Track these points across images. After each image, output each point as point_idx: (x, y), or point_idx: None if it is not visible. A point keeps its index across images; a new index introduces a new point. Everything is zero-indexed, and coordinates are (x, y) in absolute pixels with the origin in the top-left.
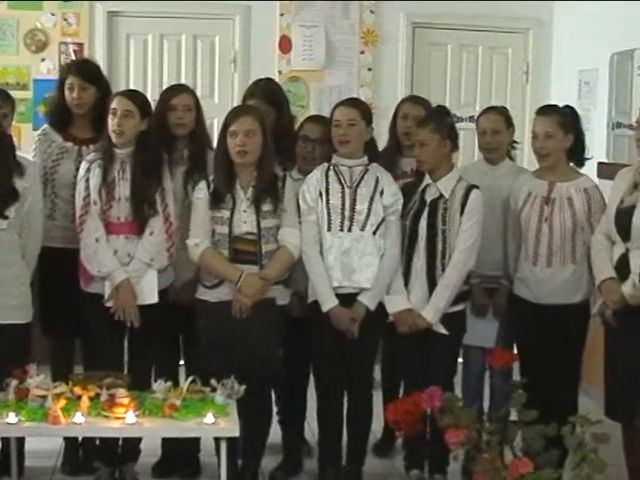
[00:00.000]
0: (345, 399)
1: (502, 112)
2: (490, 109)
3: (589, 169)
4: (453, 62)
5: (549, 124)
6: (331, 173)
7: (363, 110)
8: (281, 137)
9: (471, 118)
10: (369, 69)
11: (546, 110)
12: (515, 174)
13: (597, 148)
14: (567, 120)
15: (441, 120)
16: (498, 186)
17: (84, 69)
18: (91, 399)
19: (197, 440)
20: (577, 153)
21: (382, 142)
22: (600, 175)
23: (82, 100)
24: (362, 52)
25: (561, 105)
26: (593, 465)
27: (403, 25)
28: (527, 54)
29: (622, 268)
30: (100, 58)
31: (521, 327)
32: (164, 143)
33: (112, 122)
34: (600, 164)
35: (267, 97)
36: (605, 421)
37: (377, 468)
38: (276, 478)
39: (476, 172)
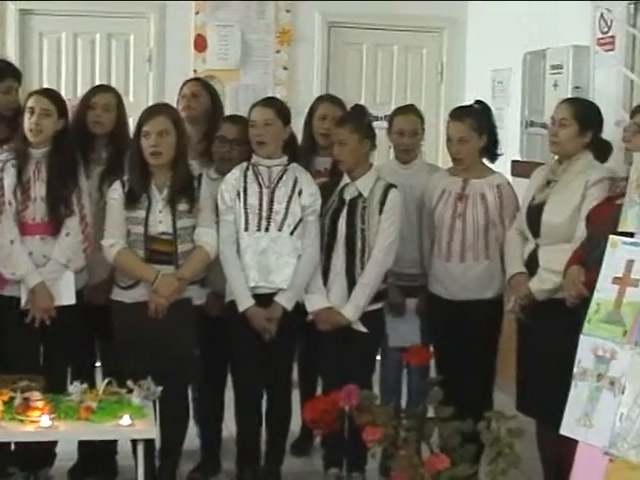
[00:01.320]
0: (263, 398)
1: (418, 112)
2: (406, 109)
3: (503, 167)
4: (368, 61)
5: (463, 129)
6: (249, 173)
7: (279, 110)
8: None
9: (387, 117)
10: (285, 68)
11: (460, 114)
12: (427, 172)
13: (511, 146)
14: (481, 121)
15: (360, 119)
16: (411, 185)
17: None
18: (5, 403)
19: (114, 442)
20: (490, 149)
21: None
22: (514, 173)
23: None
24: (278, 51)
25: (473, 101)
26: (508, 460)
27: (318, 24)
28: (441, 54)
29: (532, 264)
30: (12, 57)
31: (436, 324)
32: (83, 143)
33: (29, 121)
34: (514, 162)
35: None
36: (520, 416)
37: (296, 467)
38: (194, 479)
39: (389, 171)
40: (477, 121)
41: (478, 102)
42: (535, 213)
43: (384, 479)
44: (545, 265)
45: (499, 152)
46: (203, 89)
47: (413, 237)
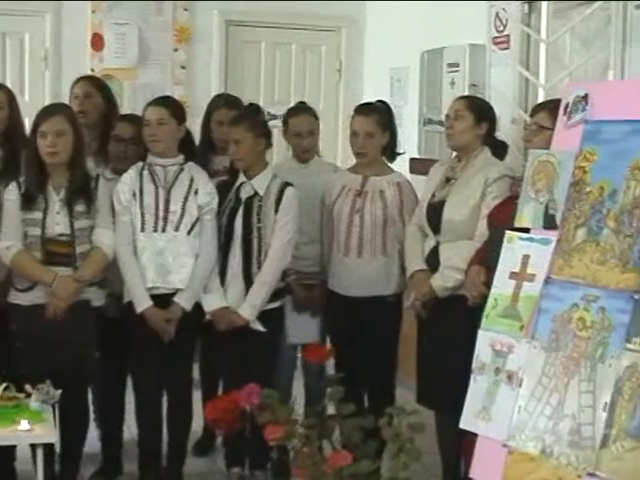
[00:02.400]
0: (164, 399)
1: (312, 111)
2: (300, 110)
3: (401, 164)
4: (267, 60)
5: (369, 123)
6: (145, 173)
7: (173, 109)
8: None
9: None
10: (183, 67)
11: (365, 109)
12: (325, 171)
13: (409, 144)
14: (385, 118)
15: (254, 118)
16: (310, 183)
17: None
18: None
19: (12, 448)
20: (390, 149)
21: (195, 140)
22: (412, 170)
23: None
24: (176, 50)
25: (375, 100)
26: (409, 454)
27: (217, 23)
28: (340, 52)
29: (433, 260)
30: None
31: (335, 321)
32: None
33: None
34: (412, 160)
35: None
36: (421, 411)
37: (198, 467)
38: None
39: (288, 171)
40: (382, 117)
41: (380, 102)
42: (435, 210)
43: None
44: (446, 262)
45: (398, 152)
46: (95, 88)
47: (315, 236)
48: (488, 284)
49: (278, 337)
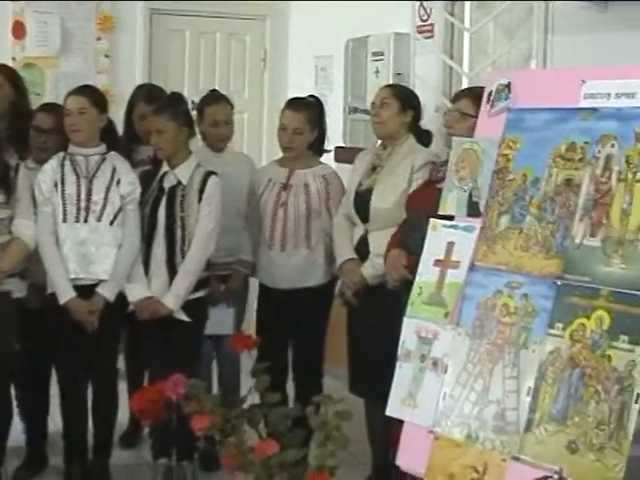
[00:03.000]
0: (89, 391)
1: (227, 100)
2: (216, 98)
3: (326, 154)
4: (191, 49)
5: (298, 120)
6: (67, 163)
7: (94, 97)
8: (19, 123)
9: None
10: (106, 56)
11: (296, 105)
12: (239, 161)
13: (334, 133)
14: (315, 115)
15: (177, 107)
16: (225, 173)
17: None
18: None
19: None
20: (318, 144)
21: (119, 129)
22: (337, 159)
23: None
24: (99, 39)
25: (306, 95)
26: (337, 442)
27: (140, 12)
28: (265, 41)
29: (362, 249)
30: None
31: (262, 312)
32: None
33: None
34: (337, 148)
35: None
36: (349, 399)
37: (124, 459)
38: (19, 477)
39: (200, 160)
40: (312, 114)
41: (312, 97)
42: (363, 199)
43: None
44: (376, 250)
45: (326, 148)
46: (4, 77)
47: (229, 226)
48: (409, 268)
49: (202, 327)
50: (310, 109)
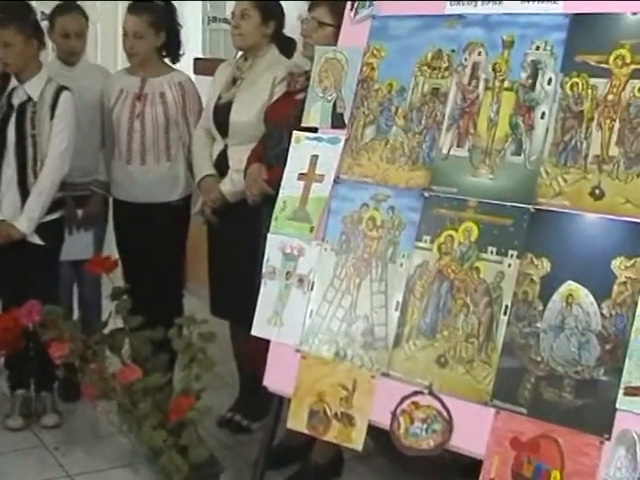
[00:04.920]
0: None
1: (81, 10)
2: (68, 8)
3: (185, 65)
4: None
5: (138, 23)
6: None
7: None
8: None
9: (46, 16)
10: None
11: (137, 9)
12: (93, 74)
13: (192, 43)
14: (159, 18)
15: (24, 19)
16: (78, 88)
17: None
18: None
19: None
20: (171, 50)
21: None
22: (196, 71)
23: None
24: None
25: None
26: (202, 365)
27: None
28: None
29: (221, 164)
30: None
31: (120, 230)
32: None
33: None
34: (196, 60)
35: None
36: (212, 319)
37: None
38: None
39: (52, 74)
40: (155, 17)
41: (161, 1)
42: (222, 112)
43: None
44: (235, 166)
45: (181, 52)
46: None
47: (83, 144)
48: (270, 182)
49: (58, 250)
50: (152, 12)
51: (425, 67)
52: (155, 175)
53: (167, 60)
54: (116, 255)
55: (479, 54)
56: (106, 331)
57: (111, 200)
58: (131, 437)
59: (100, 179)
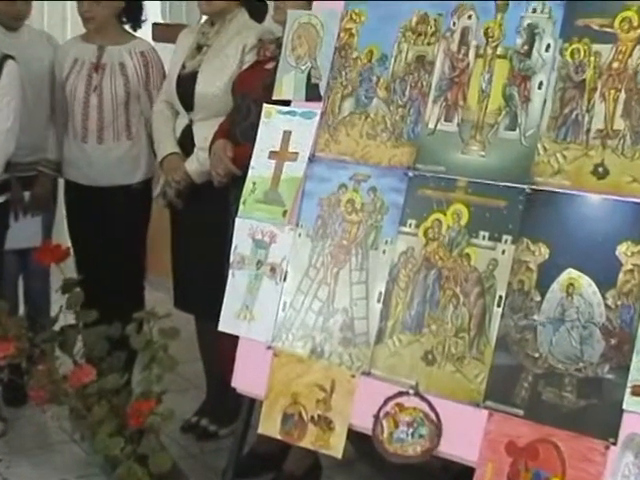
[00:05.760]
0: None
1: None
2: None
3: (142, 32)
4: None
5: None
6: None
7: None
8: None
9: None
10: None
11: None
12: (40, 42)
13: (152, 7)
14: None
15: None
16: (23, 57)
17: None
18: None
19: None
20: (132, 15)
21: None
22: (155, 38)
23: None
24: None
25: None
26: (163, 364)
27: None
28: None
29: (186, 142)
30: None
31: (74, 216)
32: None
33: None
34: (155, 25)
35: None
36: (175, 314)
37: None
38: None
39: None
40: None
41: None
42: (187, 83)
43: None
44: (201, 143)
45: (143, 18)
46: None
47: (30, 119)
48: (238, 161)
49: (3, 238)
50: None
51: (409, 33)
52: (114, 155)
53: (127, 27)
54: (67, 243)
55: (469, 18)
56: (56, 328)
57: (62, 182)
58: (85, 446)
59: (49, 158)
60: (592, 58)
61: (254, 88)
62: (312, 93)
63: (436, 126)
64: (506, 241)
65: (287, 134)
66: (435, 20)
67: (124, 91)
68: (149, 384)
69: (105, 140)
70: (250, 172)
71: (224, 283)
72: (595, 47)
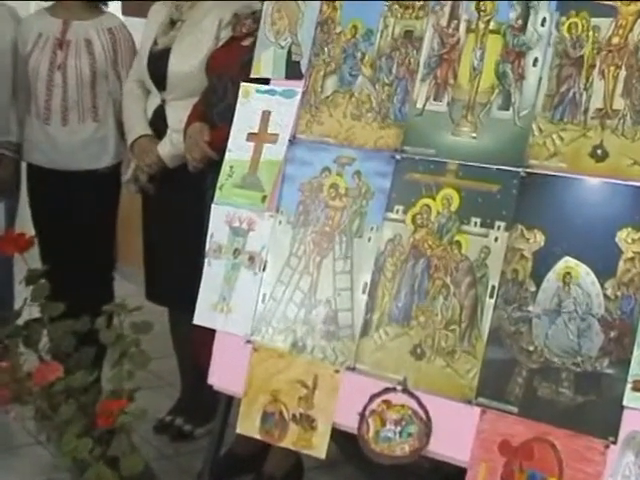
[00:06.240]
0: None
1: None
2: None
3: (111, 5)
4: None
5: None
6: None
7: None
8: None
9: None
10: None
11: None
12: (1, 17)
13: None
14: None
15: None
16: None
17: None
18: None
19: None
20: None
21: None
22: (125, 12)
23: None
24: None
25: None
26: (135, 360)
27: None
28: None
29: (159, 123)
30: None
31: (37, 202)
32: None
33: None
34: None
35: None
36: (148, 306)
37: None
38: None
39: None
40: None
41: None
42: (159, 61)
43: None
44: (175, 125)
45: None
46: None
47: None
48: (214, 145)
49: None
50: None
51: (396, 6)
52: (79, 138)
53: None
54: (31, 231)
55: None
56: (20, 322)
57: (25, 166)
58: (51, 448)
59: (11, 140)
60: (590, 33)
61: (230, 66)
62: (292, 71)
63: (425, 106)
64: (499, 228)
65: (266, 114)
66: None
67: (90, 70)
68: (120, 381)
69: (70, 122)
70: (227, 155)
71: (199, 274)
72: (594, 21)
